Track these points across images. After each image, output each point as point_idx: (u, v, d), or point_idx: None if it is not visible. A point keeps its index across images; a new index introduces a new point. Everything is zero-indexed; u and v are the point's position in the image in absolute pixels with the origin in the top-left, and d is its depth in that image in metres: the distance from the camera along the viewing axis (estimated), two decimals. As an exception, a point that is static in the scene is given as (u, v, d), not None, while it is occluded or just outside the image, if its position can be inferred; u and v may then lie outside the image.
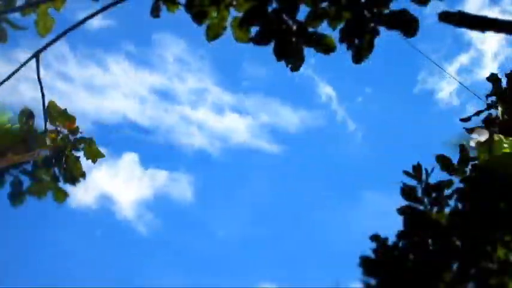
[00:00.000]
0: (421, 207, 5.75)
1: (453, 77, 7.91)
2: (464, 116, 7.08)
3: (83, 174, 7.74)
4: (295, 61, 5.92)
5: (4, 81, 6.99)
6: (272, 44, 5.84)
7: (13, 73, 7.02)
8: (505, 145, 6.24)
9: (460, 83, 7.52)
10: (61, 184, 7.69)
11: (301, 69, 5.89)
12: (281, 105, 25.66)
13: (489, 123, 6.86)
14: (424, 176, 5.86)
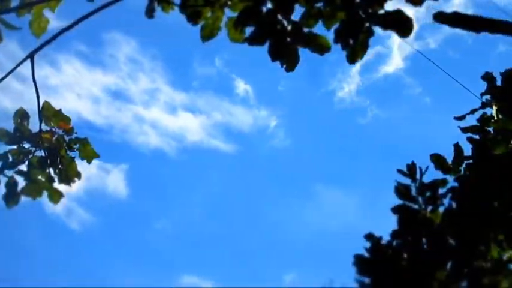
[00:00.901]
0: (416, 206, 5.77)
1: (449, 75, 7.92)
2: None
3: (78, 175, 7.75)
4: (290, 61, 5.94)
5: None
6: (267, 44, 5.85)
7: (8, 74, 7.02)
8: None
9: (458, 81, 7.54)
10: (56, 184, 7.70)
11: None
12: (233, 104, 25.96)
13: (484, 122, 6.89)
14: (418, 175, 5.88)
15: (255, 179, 24.47)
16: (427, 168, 5.90)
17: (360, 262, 5.60)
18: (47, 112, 7.56)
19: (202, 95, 25.39)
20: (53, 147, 7.68)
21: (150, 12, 6.28)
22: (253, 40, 5.82)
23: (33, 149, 7.71)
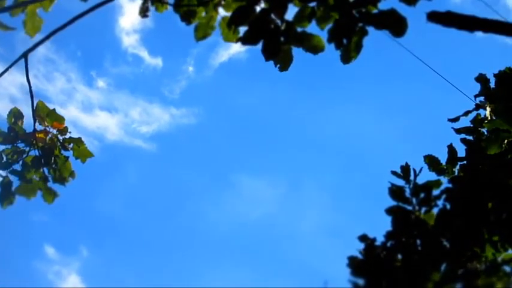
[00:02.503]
0: (409, 208, 5.74)
1: (439, 74, 7.89)
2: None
3: (73, 174, 7.72)
4: (283, 61, 5.91)
5: (-7, 81, 6.95)
6: (261, 44, 5.81)
7: (2, 73, 7.00)
8: None
9: (447, 80, 7.51)
10: (50, 184, 7.68)
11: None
12: (149, 103, 26.26)
13: (477, 124, 6.86)
14: (412, 176, 5.85)
15: (176, 174, 24.79)
16: (421, 169, 5.88)
17: (354, 263, 5.58)
18: (41, 112, 7.54)
19: (117, 94, 25.67)
20: (47, 146, 7.65)
21: (143, 12, 6.26)
22: (247, 40, 5.77)
23: (28, 148, 7.69)
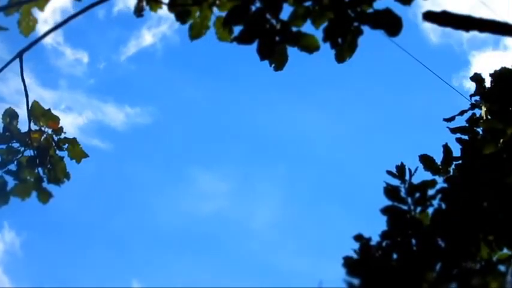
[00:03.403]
0: (405, 207, 5.74)
1: (437, 75, 7.88)
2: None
3: (67, 175, 7.69)
4: (278, 61, 5.91)
5: (-13, 81, 6.95)
6: (256, 44, 5.81)
7: (-2, 72, 6.99)
8: None
9: (445, 82, 7.52)
10: (45, 184, 7.64)
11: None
12: (103, 102, 26.30)
13: (473, 123, 6.87)
14: (407, 176, 5.85)
15: (130, 171, 24.81)
16: (416, 169, 5.88)
17: (349, 263, 5.58)
18: (36, 111, 7.52)
19: (70, 94, 25.73)
20: (42, 146, 7.63)
21: (138, 12, 6.25)
22: (242, 39, 5.78)
23: (22, 148, 7.66)
